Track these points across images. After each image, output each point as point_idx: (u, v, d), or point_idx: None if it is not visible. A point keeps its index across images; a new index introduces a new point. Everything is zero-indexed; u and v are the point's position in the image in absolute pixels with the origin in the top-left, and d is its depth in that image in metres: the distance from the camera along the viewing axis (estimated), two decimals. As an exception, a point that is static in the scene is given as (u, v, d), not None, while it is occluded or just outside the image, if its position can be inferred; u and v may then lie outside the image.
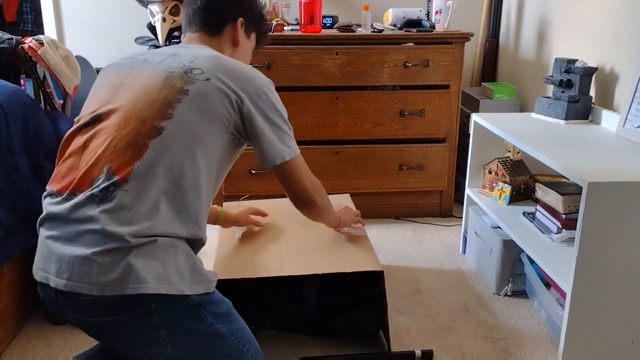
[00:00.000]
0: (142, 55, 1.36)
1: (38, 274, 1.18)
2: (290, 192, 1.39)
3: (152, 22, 2.98)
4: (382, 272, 1.73)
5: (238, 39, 1.49)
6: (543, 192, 2.09)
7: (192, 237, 1.22)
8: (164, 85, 1.23)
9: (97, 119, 1.25)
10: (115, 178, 1.14)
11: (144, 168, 1.15)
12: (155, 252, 1.13)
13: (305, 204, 1.42)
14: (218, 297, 1.26)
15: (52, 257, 1.15)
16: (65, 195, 1.18)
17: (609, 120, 2.22)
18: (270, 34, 2.74)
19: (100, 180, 1.15)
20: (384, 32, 2.83)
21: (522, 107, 3.03)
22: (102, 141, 1.19)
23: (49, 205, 1.21)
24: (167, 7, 2.93)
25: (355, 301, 1.92)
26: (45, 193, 1.26)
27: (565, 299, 1.73)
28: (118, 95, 1.26)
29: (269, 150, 1.30)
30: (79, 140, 1.25)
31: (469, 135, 2.54)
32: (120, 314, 1.12)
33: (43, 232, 1.21)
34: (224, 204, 2.16)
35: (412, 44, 2.77)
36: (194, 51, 1.33)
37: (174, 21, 2.97)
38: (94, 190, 1.14)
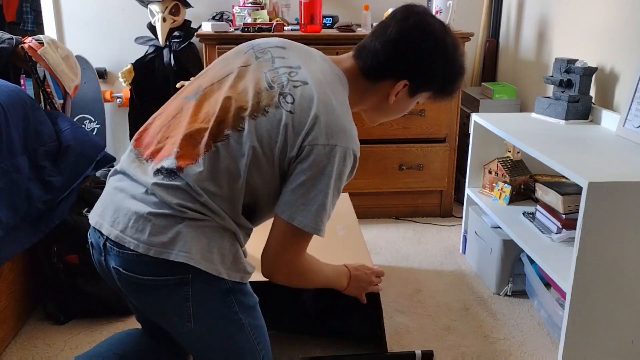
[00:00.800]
0: (275, 51, 1.33)
1: (94, 219, 1.24)
2: (266, 247, 1.26)
3: (152, 22, 2.98)
4: None
5: (390, 97, 1.34)
6: (543, 192, 2.09)
7: (239, 229, 1.26)
8: (254, 95, 1.22)
9: (195, 97, 1.28)
10: (175, 165, 1.19)
11: (202, 166, 1.18)
12: (205, 229, 1.17)
13: (265, 269, 1.27)
14: (249, 290, 1.29)
15: (111, 206, 1.21)
16: (140, 157, 1.25)
17: (609, 120, 2.22)
18: (270, 33, 2.74)
19: (167, 161, 1.20)
20: (384, 32, 2.82)
21: (522, 107, 3.03)
22: (186, 123, 1.24)
23: (124, 160, 1.28)
24: (167, 7, 2.93)
25: (350, 304, 1.92)
26: (129, 147, 1.31)
27: (565, 299, 1.73)
28: (221, 84, 1.28)
29: (288, 201, 1.20)
30: (174, 108, 1.30)
31: (469, 135, 2.54)
32: (158, 276, 1.16)
33: (111, 183, 1.27)
34: None
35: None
36: (314, 70, 1.27)
37: (174, 21, 2.97)
38: (159, 167, 1.20)
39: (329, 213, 1.22)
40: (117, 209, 1.20)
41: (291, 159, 1.19)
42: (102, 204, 1.25)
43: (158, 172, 1.20)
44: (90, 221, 1.25)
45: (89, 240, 1.28)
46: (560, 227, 1.99)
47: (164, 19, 2.92)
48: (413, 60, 1.29)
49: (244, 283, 1.26)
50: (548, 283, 2.03)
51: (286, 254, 1.24)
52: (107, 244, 1.19)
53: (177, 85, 2.94)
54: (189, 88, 1.34)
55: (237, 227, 1.24)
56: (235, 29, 2.86)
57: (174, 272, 1.15)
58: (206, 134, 1.20)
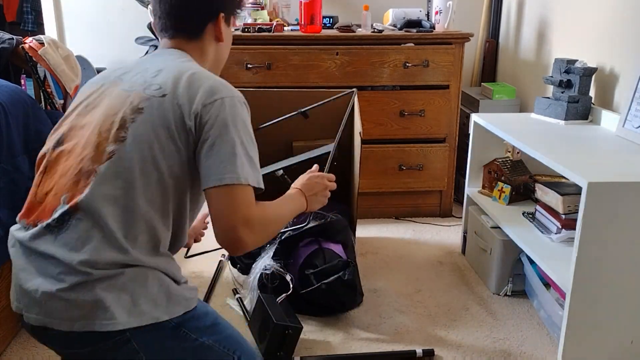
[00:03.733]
0: (118, 70, 1.28)
1: (13, 304, 1.16)
2: (215, 223, 1.13)
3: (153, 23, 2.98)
4: None
5: (221, 35, 1.35)
6: (543, 193, 2.09)
7: (161, 261, 1.17)
8: (123, 105, 1.17)
9: (60, 143, 1.21)
10: (68, 207, 1.10)
11: (94, 196, 1.10)
12: (123, 284, 1.09)
13: (229, 241, 1.13)
14: (200, 311, 1.21)
15: (22, 291, 1.13)
16: (29, 225, 1.16)
17: (608, 120, 2.22)
18: (270, 34, 2.74)
19: (58, 211, 1.11)
20: (384, 33, 2.83)
21: (522, 108, 3.03)
22: (61, 169, 1.16)
23: (16, 232, 1.19)
24: (167, 7, 2.92)
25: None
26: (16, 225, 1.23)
27: (564, 299, 1.73)
28: (82, 117, 1.21)
29: (208, 168, 1.12)
30: (44, 165, 1.22)
31: (468, 135, 2.54)
32: (96, 344, 1.09)
33: (13, 261, 1.18)
34: None
35: (412, 44, 2.77)
36: (161, 62, 1.24)
37: (174, 21, 2.97)
38: (50, 221, 1.11)
39: (252, 162, 1.15)
40: (27, 292, 1.11)
41: (189, 133, 1.14)
42: (15, 289, 1.16)
43: (48, 227, 1.11)
44: (12, 305, 1.17)
45: (21, 323, 1.19)
46: (560, 227, 2.00)
47: (164, 19, 2.92)
48: None
49: (192, 309, 1.19)
50: (548, 283, 2.03)
51: (238, 214, 1.11)
52: (34, 327, 1.12)
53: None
54: (47, 147, 1.24)
55: (158, 260, 1.15)
56: (236, 29, 2.86)
57: (109, 337, 1.08)
58: (86, 164, 1.12)
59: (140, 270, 1.12)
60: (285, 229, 2.21)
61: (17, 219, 1.22)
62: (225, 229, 1.11)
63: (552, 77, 2.36)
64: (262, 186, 1.17)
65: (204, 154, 1.13)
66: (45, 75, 2.26)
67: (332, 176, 1.57)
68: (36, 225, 1.14)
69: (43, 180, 1.19)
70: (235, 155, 1.12)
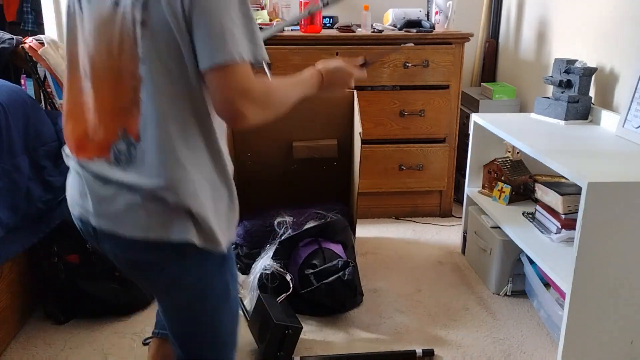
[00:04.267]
0: None
1: (75, 208, 1.16)
2: (213, 101, 1.06)
3: (153, 22, 2.98)
4: None
5: None
6: (542, 193, 2.09)
7: (219, 163, 1.14)
8: (119, 20, 1.05)
9: (84, 73, 1.14)
10: (130, 138, 1.07)
11: (147, 120, 1.06)
12: (199, 198, 1.08)
13: (228, 115, 1.06)
14: (233, 259, 1.24)
15: (91, 195, 1.12)
16: (84, 159, 1.13)
17: (608, 120, 2.22)
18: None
19: (119, 144, 1.08)
20: (384, 33, 2.83)
21: (522, 108, 3.03)
22: (100, 101, 1.11)
23: (74, 164, 1.16)
24: (167, 7, 2.93)
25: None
26: (64, 149, 1.20)
27: (564, 299, 1.73)
28: (86, 41, 1.11)
29: (198, 50, 1.01)
30: (76, 96, 1.15)
31: (468, 135, 2.54)
32: (158, 253, 1.11)
33: (73, 165, 1.15)
34: None
35: (412, 45, 2.77)
36: None
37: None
38: (114, 156, 1.09)
39: (249, 35, 1.03)
40: (97, 196, 1.10)
41: (182, 18, 1.01)
42: (78, 192, 1.15)
43: (115, 162, 1.08)
44: (72, 211, 1.17)
45: (78, 227, 1.19)
46: (560, 227, 2.00)
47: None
48: None
49: (232, 247, 1.21)
50: (547, 283, 2.03)
51: (234, 89, 1.03)
52: (99, 231, 1.12)
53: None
54: (69, 73, 1.17)
55: (230, 180, 1.14)
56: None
57: (173, 249, 1.10)
58: (129, 93, 1.06)
59: (209, 187, 1.11)
60: (285, 230, 2.21)
61: (66, 147, 1.18)
62: (222, 102, 1.04)
63: (552, 77, 2.36)
64: (264, 60, 1.06)
65: (193, 35, 1.01)
66: (45, 75, 2.26)
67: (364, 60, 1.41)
68: (93, 160, 1.11)
69: (84, 113, 1.13)
70: (224, 31, 0.99)
